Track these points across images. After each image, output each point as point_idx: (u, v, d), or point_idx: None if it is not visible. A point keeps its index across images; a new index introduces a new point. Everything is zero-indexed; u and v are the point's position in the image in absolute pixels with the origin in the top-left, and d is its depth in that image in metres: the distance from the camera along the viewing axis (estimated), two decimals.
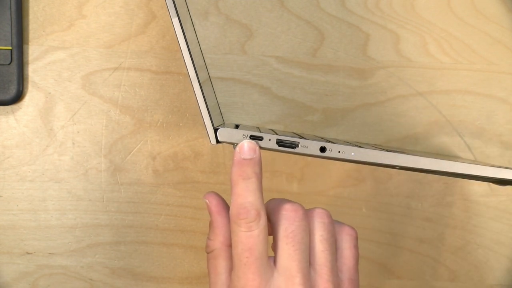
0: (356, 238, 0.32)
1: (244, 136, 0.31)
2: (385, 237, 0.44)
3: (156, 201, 0.43)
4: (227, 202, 0.32)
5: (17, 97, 0.42)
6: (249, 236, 0.28)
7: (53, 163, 0.43)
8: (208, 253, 0.32)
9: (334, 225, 0.31)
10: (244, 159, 0.30)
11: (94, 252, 0.43)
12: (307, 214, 0.31)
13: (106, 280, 0.44)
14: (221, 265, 0.31)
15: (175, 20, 0.32)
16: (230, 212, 0.30)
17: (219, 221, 0.32)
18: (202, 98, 0.32)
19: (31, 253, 0.43)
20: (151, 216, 0.43)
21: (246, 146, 0.30)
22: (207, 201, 0.32)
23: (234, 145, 0.32)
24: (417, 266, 0.44)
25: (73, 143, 0.43)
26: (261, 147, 0.32)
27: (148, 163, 0.43)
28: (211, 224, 0.33)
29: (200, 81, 0.33)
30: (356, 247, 0.32)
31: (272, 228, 0.30)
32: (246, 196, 0.29)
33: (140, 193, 0.43)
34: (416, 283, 0.44)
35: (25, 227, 0.43)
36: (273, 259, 0.30)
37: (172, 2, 0.32)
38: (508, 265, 0.44)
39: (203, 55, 0.42)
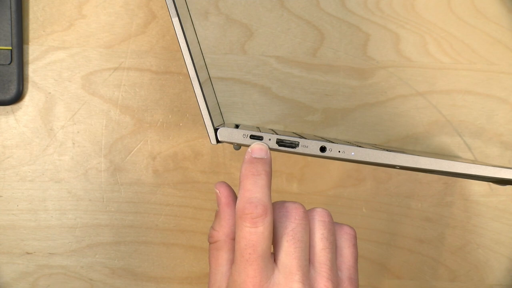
0: (355, 237, 0.32)
1: (244, 136, 0.31)
2: (385, 237, 0.44)
3: (156, 201, 0.43)
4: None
5: (17, 97, 0.42)
6: (254, 232, 0.28)
7: (53, 163, 0.43)
8: (210, 243, 0.32)
9: (334, 224, 0.32)
10: (255, 157, 0.30)
11: (94, 252, 0.43)
12: (308, 213, 0.31)
13: (106, 280, 0.44)
14: (223, 257, 0.31)
15: (175, 20, 0.32)
16: (236, 205, 0.29)
17: (227, 212, 0.32)
18: (202, 98, 0.32)
19: (31, 253, 0.43)
20: (151, 216, 0.43)
21: (258, 147, 0.31)
22: (218, 191, 0.32)
23: (234, 145, 0.32)
24: (417, 266, 0.44)
25: (73, 143, 0.43)
26: None
27: (148, 163, 0.43)
28: (218, 214, 0.32)
29: (200, 81, 0.33)
30: (355, 246, 0.32)
31: (273, 226, 0.30)
32: (254, 191, 0.29)
33: (140, 193, 0.43)
34: (416, 283, 0.44)
35: (25, 227, 0.43)
36: (273, 256, 0.30)
37: (172, 2, 0.32)
38: (508, 265, 0.44)
39: (203, 55, 0.42)
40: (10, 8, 0.41)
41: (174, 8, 0.32)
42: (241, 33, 0.42)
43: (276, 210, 0.30)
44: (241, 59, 0.43)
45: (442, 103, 0.43)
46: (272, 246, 0.30)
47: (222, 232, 0.32)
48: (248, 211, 0.28)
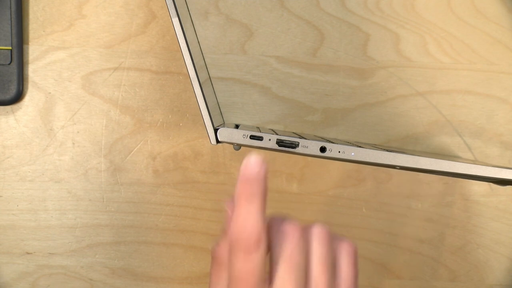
0: (356, 255, 0.31)
1: (244, 136, 0.31)
2: (385, 237, 0.44)
3: (156, 201, 0.43)
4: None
5: (17, 97, 0.42)
6: (248, 260, 0.27)
7: (53, 163, 0.43)
8: (213, 257, 0.31)
9: (332, 241, 0.30)
10: (249, 176, 0.29)
11: (94, 252, 0.43)
12: (305, 232, 0.30)
13: (106, 280, 0.44)
14: (223, 277, 0.30)
15: (175, 20, 0.32)
16: (230, 232, 0.28)
17: None
18: (202, 98, 0.32)
19: (31, 253, 0.43)
20: (151, 216, 0.43)
21: (252, 164, 0.29)
22: (228, 209, 0.31)
23: (234, 145, 0.32)
24: (417, 266, 0.44)
25: (73, 143, 0.43)
26: (261, 147, 0.32)
27: (148, 163, 0.43)
28: (225, 231, 0.31)
29: (200, 81, 0.33)
30: (355, 264, 0.31)
31: (269, 247, 0.29)
32: (247, 218, 0.28)
33: (140, 193, 0.43)
34: (416, 283, 0.44)
35: (25, 227, 0.43)
36: (269, 278, 0.29)
37: (172, 2, 0.32)
38: (508, 265, 0.44)
39: (203, 55, 0.42)
40: (10, 8, 0.41)
41: (174, 8, 0.32)
42: (241, 33, 0.42)
43: (272, 230, 0.30)
44: (241, 59, 0.43)
45: (442, 103, 0.43)
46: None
47: (227, 250, 0.30)
48: (242, 240, 0.28)
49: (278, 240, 0.29)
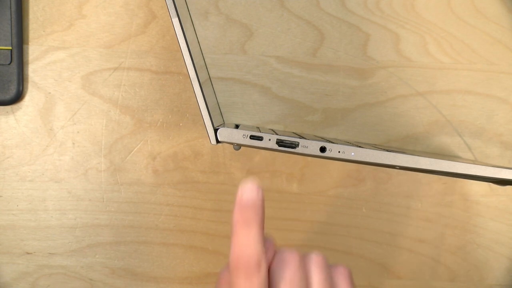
0: (351, 276, 0.32)
1: (244, 136, 0.31)
2: (385, 237, 0.44)
3: (156, 201, 0.43)
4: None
5: (17, 97, 0.42)
6: (249, 286, 0.28)
7: (53, 163, 0.43)
8: (218, 280, 0.32)
9: (329, 267, 0.31)
10: (246, 203, 0.29)
11: (94, 252, 0.43)
12: (304, 260, 0.31)
13: (106, 280, 0.44)
14: None
15: (175, 20, 0.32)
16: (229, 259, 0.29)
17: None
18: (202, 98, 0.32)
19: (31, 253, 0.43)
20: (151, 216, 0.43)
21: (248, 190, 0.29)
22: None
23: (234, 145, 0.32)
24: (417, 266, 0.44)
25: (73, 143, 0.43)
26: (261, 147, 0.32)
27: (148, 163, 0.43)
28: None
29: (200, 81, 0.33)
30: (352, 285, 0.32)
31: (269, 276, 0.30)
32: (246, 244, 0.28)
33: (140, 193, 0.43)
34: (416, 283, 0.44)
35: (25, 227, 0.43)
36: None
37: (172, 2, 0.32)
38: (508, 265, 0.44)
39: (203, 55, 0.42)
40: (10, 8, 0.41)
41: (174, 8, 0.32)
42: (241, 33, 0.42)
43: (272, 259, 0.30)
44: (241, 59, 0.43)
45: (442, 103, 0.43)
46: None
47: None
48: (242, 266, 0.28)
49: (278, 267, 0.30)
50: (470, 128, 0.43)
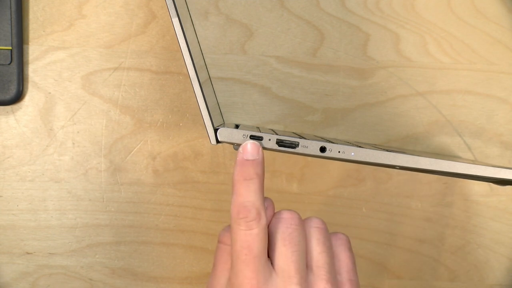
0: (349, 242, 0.33)
1: (244, 136, 0.31)
2: (385, 237, 0.44)
3: (156, 201, 0.43)
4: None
5: (17, 97, 0.42)
6: (249, 234, 0.29)
7: (53, 163, 0.43)
8: (220, 242, 0.32)
9: (328, 232, 0.32)
10: (246, 159, 0.30)
11: (94, 252, 0.43)
12: (304, 221, 0.31)
13: (106, 280, 0.44)
14: (227, 258, 0.31)
15: (175, 20, 0.32)
16: (231, 210, 0.30)
17: None
18: (202, 98, 0.32)
19: (31, 253, 0.43)
20: (151, 216, 0.43)
21: (249, 147, 0.30)
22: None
23: (234, 145, 0.32)
24: (417, 266, 0.44)
25: (73, 143, 0.43)
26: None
27: (148, 163, 0.43)
28: None
29: (200, 81, 0.33)
30: (351, 250, 0.32)
31: (269, 234, 0.30)
32: (247, 195, 0.29)
33: (140, 193, 0.43)
34: (416, 283, 0.44)
35: (25, 227, 0.43)
36: (270, 259, 0.30)
37: (172, 2, 0.32)
38: (508, 265, 0.44)
39: (203, 55, 0.42)
40: (10, 8, 0.41)
41: (174, 8, 0.32)
42: (241, 33, 0.42)
43: (272, 218, 0.31)
44: (241, 59, 0.43)
45: (442, 103, 0.43)
46: (268, 252, 0.30)
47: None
48: (242, 215, 0.29)
49: (278, 224, 0.30)
50: (470, 128, 0.43)
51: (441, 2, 0.42)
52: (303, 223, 0.31)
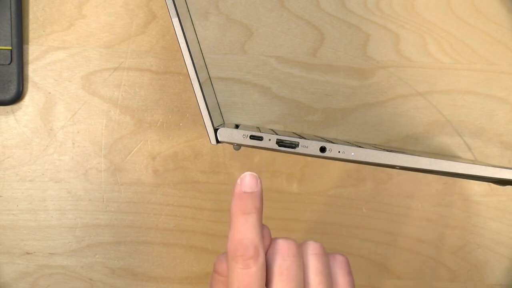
0: (349, 265, 0.32)
1: (244, 136, 0.31)
2: (385, 237, 0.44)
3: (156, 201, 0.43)
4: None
5: (17, 97, 0.42)
6: (246, 273, 0.28)
7: (53, 163, 0.43)
8: (214, 271, 0.32)
9: (327, 255, 0.31)
10: (245, 192, 0.29)
11: (94, 252, 0.43)
12: (301, 248, 0.30)
13: (106, 280, 0.44)
14: None
15: (175, 20, 0.32)
16: (228, 246, 0.29)
17: None
18: (202, 98, 0.32)
19: (31, 253, 0.43)
20: (151, 216, 0.43)
21: (248, 179, 0.29)
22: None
23: (234, 145, 0.32)
24: (417, 266, 0.44)
25: (73, 143, 0.43)
26: (261, 147, 0.32)
27: (148, 163, 0.43)
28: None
29: (200, 81, 0.33)
30: (350, 273, 0.32)
31: (266, 265, 0.30)
32: (244, 231, 0.29)
33: (140, 193, 0.43)
34: (416, 283, 0.44)
35: (25, 227, 0.43)
36: None
37: (172, 2, 0.32)
38: (508, 265, 0.44)
39: (203, 55, 0.42)
40: (10, 8, 0.41)
41: (174, 8, 0.32)
42: (241, 33, 0.42)
43: (268, 248, 0.30)
44: (241, 59, 0.43)
45: (442, 103, 0.43)
46: (266, 284, 0.30)
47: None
48: (240, 253, 0.28)
49: (275, 256, 0.29)
50: (470, 128, 0.43)
51: (441, 2, 0.42)
52: (300, 251, 0.30)
